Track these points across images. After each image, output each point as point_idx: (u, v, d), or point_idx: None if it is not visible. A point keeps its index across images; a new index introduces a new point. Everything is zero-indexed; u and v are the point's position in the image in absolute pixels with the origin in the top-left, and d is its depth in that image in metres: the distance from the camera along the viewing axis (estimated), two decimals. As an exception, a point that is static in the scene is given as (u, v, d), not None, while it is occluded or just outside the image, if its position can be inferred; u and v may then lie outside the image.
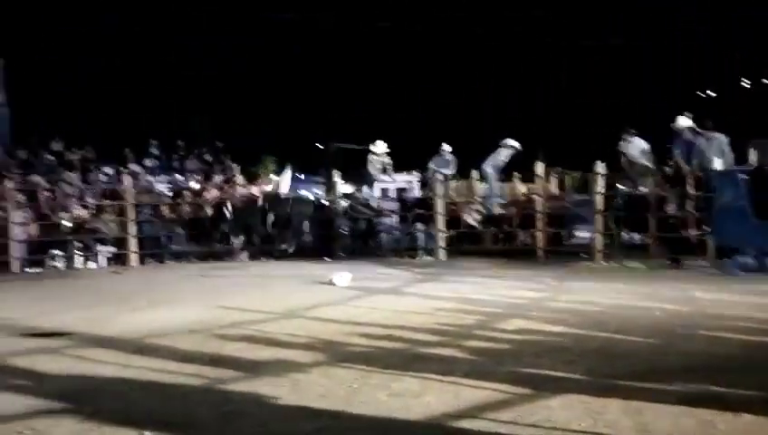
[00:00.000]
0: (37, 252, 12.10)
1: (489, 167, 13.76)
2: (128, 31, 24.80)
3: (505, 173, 15.02)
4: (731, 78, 28.90)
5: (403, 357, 5.16)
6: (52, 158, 17.97)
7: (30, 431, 3.64)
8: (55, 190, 13.82)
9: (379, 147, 14.34)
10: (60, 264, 11.96)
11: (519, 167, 15.34)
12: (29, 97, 23.21)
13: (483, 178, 14.19)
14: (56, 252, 12.01)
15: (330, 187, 14.79)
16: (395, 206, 14.01)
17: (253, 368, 4.90)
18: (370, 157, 14.28)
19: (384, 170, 14.46)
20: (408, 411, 3.89)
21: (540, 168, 13.08)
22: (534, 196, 13.06)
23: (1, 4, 22.65)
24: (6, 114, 24.07)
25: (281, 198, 13.48)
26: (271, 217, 12.94)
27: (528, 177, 14.63)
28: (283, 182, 14.15)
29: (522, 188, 15.29)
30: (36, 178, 14.22)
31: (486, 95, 29.25)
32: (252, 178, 15.60)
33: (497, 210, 13.58)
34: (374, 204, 13.73)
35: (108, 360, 5.18)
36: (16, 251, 11.62)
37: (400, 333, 5.97)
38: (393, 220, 13.84)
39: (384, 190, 14.47)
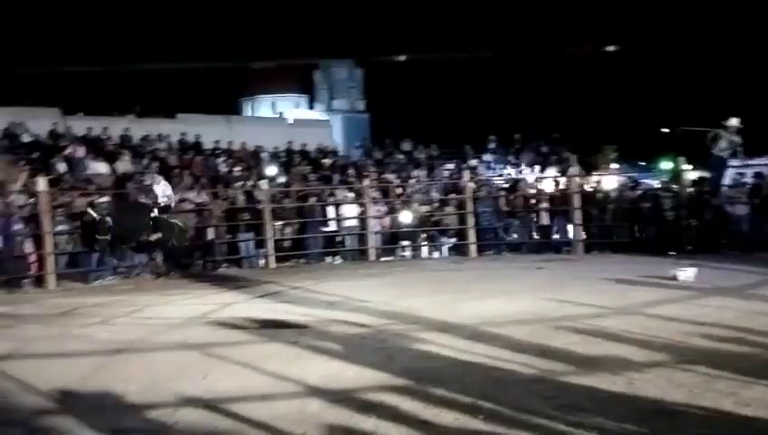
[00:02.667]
0: (389, 243, 13.40)
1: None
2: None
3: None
4: None
5: (755, 362, 4.62)
6: (402, 156, 19.66)
7: (379, 403, 4.07)
8: (405, 186, 15.15)
9: (732, 122, 12.64)
10: (408, 253, 13.10)
11: None
12: (386, 102, 25.76)
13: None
14: (405, 243, 13.18)
15: (675, 174, 13.67)
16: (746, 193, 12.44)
17: (585, 363, 4.82)
18: (718, 134, 12.56)
19: (734, 153, 12.84)
20: (760, 422, 3.48)
21: None
22: None
23: (358, 16, 25.47)
24: (366, 119, 27.01)
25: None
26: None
27: None
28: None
29: None
30: (389, 176, 15.75)
31: None
32: (590, 169, 15.24)
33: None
34: (722, 191, 12.38)
35: (447, 344, 5.51)
36: (373, 242, 13.00)
37: (753, 336, 5.34)
38: (745, 210, 12.29)
39: (738, 175, 12.93)
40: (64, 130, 15.94)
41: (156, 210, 10.08)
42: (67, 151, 14.02)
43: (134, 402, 4.29)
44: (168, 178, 13.32)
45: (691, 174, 13.23)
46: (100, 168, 13.83)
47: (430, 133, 21.65)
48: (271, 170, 15.72)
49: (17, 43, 23.13)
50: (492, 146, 20.70)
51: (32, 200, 10.80)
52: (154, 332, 6.48)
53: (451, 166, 17.74)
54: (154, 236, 9.99)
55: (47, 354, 5.73)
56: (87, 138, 15.55)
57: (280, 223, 12.63)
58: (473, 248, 12.90)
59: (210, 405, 4.12)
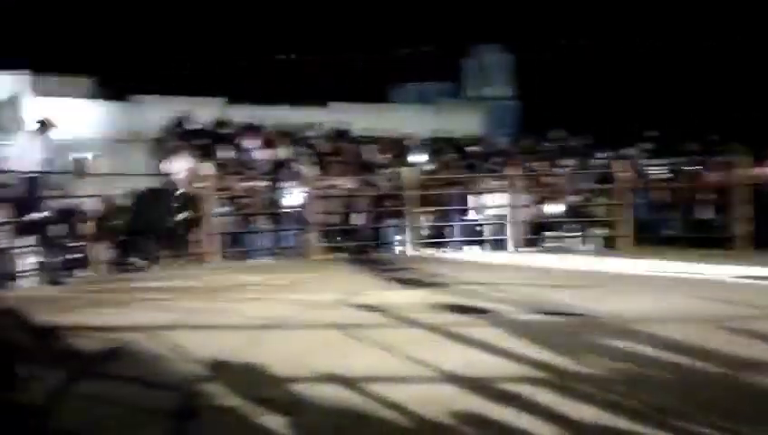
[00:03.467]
0: (534, 233, 13.09)
1: None
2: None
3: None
4: None
5: None
6: (553, 144, 19.14)
7: (516, 394, 4.00)
8: (554, 175, 14.74)
9: None
10: (552, 244, 12.74)
11: None
12: (538, 89, 25.16)
13: None
14: (549, 233, 12.82)
15: None
16: None
17: (744, 366, 4.46)
18: None
19: None
20: None
21: None
22: None
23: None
24: (516, 107, 26.52)
25: None
26: None
27: None
28: None
29: None
30: (537, 164, 15.39)
31: None
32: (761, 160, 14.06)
33: None
34: None
35: (590, 341, 5.30)
36: (515, 232, 12.77)
37: None
38: None
39: None
40: (228, 119, 16.99)
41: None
42: (233, 139, 14.99)
43: (276, 375, 4.50)
44: (320, 165, 13.82)
45: None
46: (261, 154, 14.61)
47: (584, 122, 20.88)
48: (416, 157, 15.86)
49: (189, 37, 24.85)
50: (649, 135, 19.68)
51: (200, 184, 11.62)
52: (300, 311, 6.75)
53: (604, 155, 17.05)
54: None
55: (203, 326, 6.14)
56: (248, 126, 16.50)
57: (422, 210, 12.73)
58: (625, 241, 12.33)
59: (347, 382, 4.23)
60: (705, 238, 12.07)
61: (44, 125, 9.92)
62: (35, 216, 9.27)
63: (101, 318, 6.51)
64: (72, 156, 14.32)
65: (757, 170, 12.69)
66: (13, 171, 9.62)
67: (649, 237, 12.44)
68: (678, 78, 24.12)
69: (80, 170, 13.43)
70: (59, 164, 10.62)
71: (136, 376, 4.56)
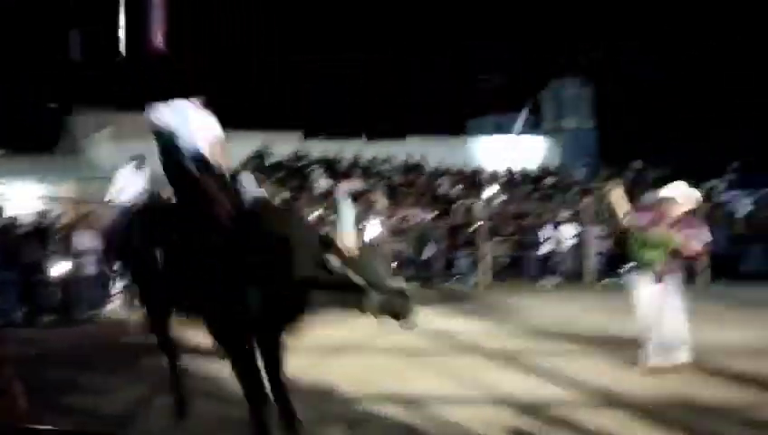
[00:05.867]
0: (612, 265, 12.90)
1: None
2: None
3: None
4: None
5: None
6: (632, 175, 18.81)
7: (571, 420, 4.10)
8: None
9: None
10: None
11: None
12: (617, 120, 24.90)
13: None
14: (628, 265, 12.60)
15: None
16: None
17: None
18: None
19: None
20: None
21: None
22: None
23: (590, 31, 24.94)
24: (594, 137, 26.25)
25: None
26: None
27: None
28: None
29: None
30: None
31: None
32: None
33: None
34: None
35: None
36: (592, 264, 12.63)
37: None
38: None
39: None
40: (305, 152, 17.58)
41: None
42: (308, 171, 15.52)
43: (343, 394, 4.74)
44: (393, 197, 14.12)
45: None
46: (329, 186, 15.04)
47: (664, 153, 20.48)
48: (491, 189, 15.96)
49: (267, 70, 25.76)
50: (733, 167, 19.13)
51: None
52: (369, 335, 6.99)
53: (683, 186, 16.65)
54: None
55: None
56: (324, 159, 17.03)
57: (495, 242, 12.79)
58: (703, 275, 12.01)
59: (408, 402, 4.43)
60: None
61: (141, 161, 10.61)
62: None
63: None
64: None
65: None
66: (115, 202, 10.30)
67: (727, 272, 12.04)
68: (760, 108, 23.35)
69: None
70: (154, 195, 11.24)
71: (210, 391, 4.87)
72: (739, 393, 4.60)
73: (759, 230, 12.68)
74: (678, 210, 5.48)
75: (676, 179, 16.45)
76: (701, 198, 6.06)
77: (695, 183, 16.38)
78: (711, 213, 12.44)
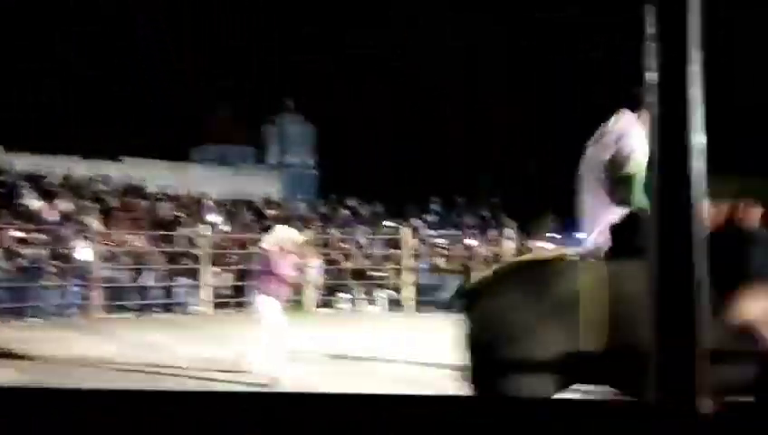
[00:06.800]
0: (329, 294, 13.54)
1: None
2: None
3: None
4: None
5: None
6: (347, 212, 20.00)
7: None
8: (347, 241, 15.43)
9: None
10: (345, 306, 13.26)
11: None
12: (335, 159, 26.24)
13: None
14: (342, 295, 13.35)
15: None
16: None
17: None
18: None
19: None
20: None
21: None
22: None
23: (311, 73, 26.14)
24: (314, 175, 27.43)
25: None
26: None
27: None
28: None
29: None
30: (332, 231, 16.02)
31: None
32: (529, 235, 15.74)
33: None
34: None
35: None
36: (312, 293, 13.12)
37: None
38: None
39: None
40: (8, 167, 15.82)
41: None
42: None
43: None
44: (107, 220, 13.32)
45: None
46: (37, 205, 13.73)
47: (375, 191, 22.13)
48: (213, 217, 15.82)
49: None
50: (435, 207, 21.29)
51: None
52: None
53: (393, 224, 18.14)
54: None
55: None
56: (30, 175, 15.47)
57: (218, 269, 12.67)
58: (410, 304, 13.16)
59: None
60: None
61: None
62: None
63: None
64: None
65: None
66: None
67: (428, 301, 13.37)
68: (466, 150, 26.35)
69: None
70: None
71: None
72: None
73: (455, 265, 14.25)
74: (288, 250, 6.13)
75: (385, 216, 17.68)
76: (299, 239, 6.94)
77: (402, 220, 17.95)
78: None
